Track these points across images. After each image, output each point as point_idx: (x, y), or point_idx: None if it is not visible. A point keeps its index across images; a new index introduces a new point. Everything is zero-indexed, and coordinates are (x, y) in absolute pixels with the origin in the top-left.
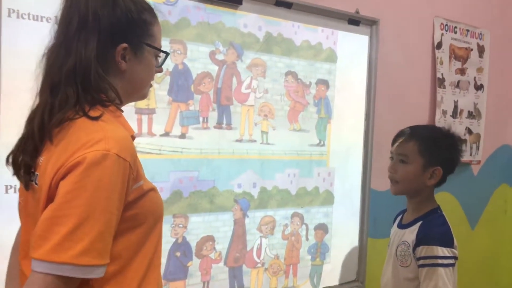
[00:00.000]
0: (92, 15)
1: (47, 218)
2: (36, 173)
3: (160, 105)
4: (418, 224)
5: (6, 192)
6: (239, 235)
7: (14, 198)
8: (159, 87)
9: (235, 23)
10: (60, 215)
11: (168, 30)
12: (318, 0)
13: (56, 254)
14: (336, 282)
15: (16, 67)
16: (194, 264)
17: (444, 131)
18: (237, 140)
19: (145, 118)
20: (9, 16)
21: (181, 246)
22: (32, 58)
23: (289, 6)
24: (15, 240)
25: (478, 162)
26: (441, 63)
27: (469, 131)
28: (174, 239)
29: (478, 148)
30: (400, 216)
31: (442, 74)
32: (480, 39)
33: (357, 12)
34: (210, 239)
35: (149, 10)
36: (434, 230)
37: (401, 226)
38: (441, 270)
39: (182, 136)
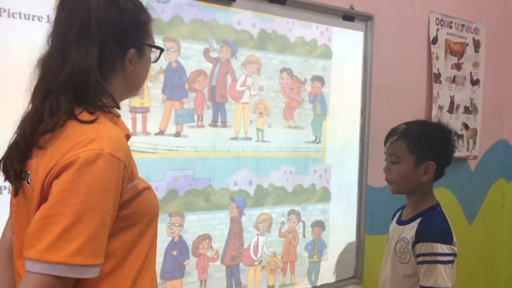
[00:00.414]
0: (96, 23)
1: (40, 218)
2: (28, 172)
3: (154, 104)
4: (418, 220)
5: (0, 193)
6: (235, 233)
7: (8, 199)
8: (153, 86)
9: (228, 20)
10: (54, 215)
11: (161, 28)
12: None
13: (50, 253)
14: (334, 279)
15: (7, 66)
16: (191, 262)
17: (432, 124)
18: (232, 138)
19: (139, 116)
20: (0, 15)
21: (178, 245)
22: (24, 57)
23: (283, 2)
24: None
25: (475, 157)
26: (437, 58)
27: (466, 126)
28: (170, 238)
29: (475, 143)
30: (399, 212)
31: (438, 69)
32: (476, 33)
33: (351, 8)
34: (206, 237)
35: (145, 8)
36: (434, 227)
37: (400, 222)
38: (440, 267)
39: (177, 134)
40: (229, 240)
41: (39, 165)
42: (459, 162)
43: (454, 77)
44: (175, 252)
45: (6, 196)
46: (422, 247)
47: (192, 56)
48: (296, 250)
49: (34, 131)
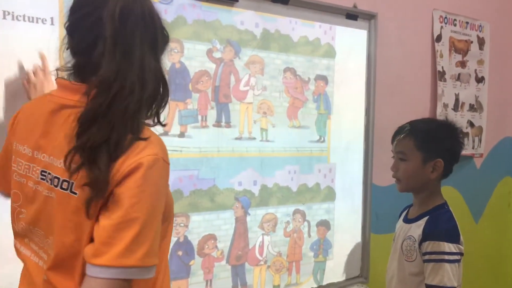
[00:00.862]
0: (159, 35)
1: (111, 224)
2: (72, 181)
3: None
4: (425, 219)
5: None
6: (240, 233)
7: None
8: None
9: (231, 21)
10: (126, 220)
11: None
12: None
13: (125, 258)
14: (339, 278)
15: (11, 69)
16: (196, 263)
17: (439, 121)
18: (236, 138)
19: None
20: (4, 18)
21: (183, 245)
22: (28, 60)
23: (285, 2)
24: None
25: (481, 155)
26: (441, 56)
27: (471, 124)
28: (175, 239)
29: (480, 141)
30: (406, 210)
31: (442, 67)
32: (480, 31)
33: (354, 6)
34: (211, 237)
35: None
36: (441, 226)
37: (407, 220)
38: (447, 265)
39: (181, 135)
40: (234, 240)
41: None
42: (464, 160)
43: (459, 74)
44: (180, 253)
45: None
46: (429, 246)
47: (195, 56)
48: (301, 249)
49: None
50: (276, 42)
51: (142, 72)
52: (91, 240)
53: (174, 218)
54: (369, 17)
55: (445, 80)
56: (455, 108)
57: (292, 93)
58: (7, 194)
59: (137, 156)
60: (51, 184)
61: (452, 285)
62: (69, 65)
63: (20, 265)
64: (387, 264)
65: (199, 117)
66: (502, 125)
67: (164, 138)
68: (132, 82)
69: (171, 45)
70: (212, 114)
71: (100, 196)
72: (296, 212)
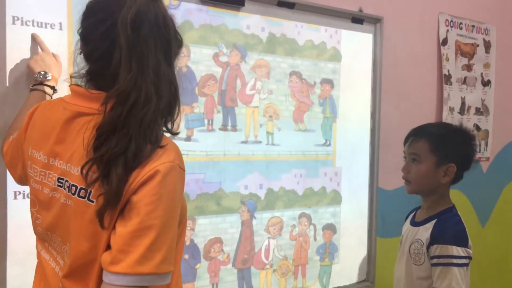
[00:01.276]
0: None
1: (128, 232)
2: (90, 189)
3: None
4: (433, 222)
5: (15, 198)
6: (246, 236)
7: (22, 204)
8: None
9: (237, 25)
10: (143, 228)
11: None
12: None
13: (142, 266)
14: (345, 282)
15: (21, 74)
16: (203, 266)
17: (455, 127)
18: (242, 142)
19: None
20: (13, 23)
21: (189, 248)
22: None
23: (291, 6)
24: None
25: (487, 159)
26: (447, 59)
27: (477, 128)
28: None
29: (487, 144)
30: (413, 213)
31: (448, 71)
32: (486, 34)
33: (360, 10)
34: (217, 241)
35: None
36: (450, 229)
37: (415, 223)
38: (455, 269)
39: (188, 138)
40: (240, 243)
41: None
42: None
43: (465, 78)
44: (186, 256)
45: (21, 201)
46: (437, 249)
47: (202, 60)
48: (307, 253)
49: (127, 169)
50: (282, 46)
51: (158, 81)
52: (108, 247)
53: None
54: (375, 21)
55: (451, 84)
56: (461, 111)
57: (298, 96)
58: (19, 183)
59: (154, 163)
60: (68, 192)
61: None
62: (83, 71)
63: (31, 266)
64: (394, 268)
65: (206, 121)
66: (509, 129)
67: None
68: (149, 92)
69: None
70: (218, 118)
71: (111, 207)
72: (302, 215)
